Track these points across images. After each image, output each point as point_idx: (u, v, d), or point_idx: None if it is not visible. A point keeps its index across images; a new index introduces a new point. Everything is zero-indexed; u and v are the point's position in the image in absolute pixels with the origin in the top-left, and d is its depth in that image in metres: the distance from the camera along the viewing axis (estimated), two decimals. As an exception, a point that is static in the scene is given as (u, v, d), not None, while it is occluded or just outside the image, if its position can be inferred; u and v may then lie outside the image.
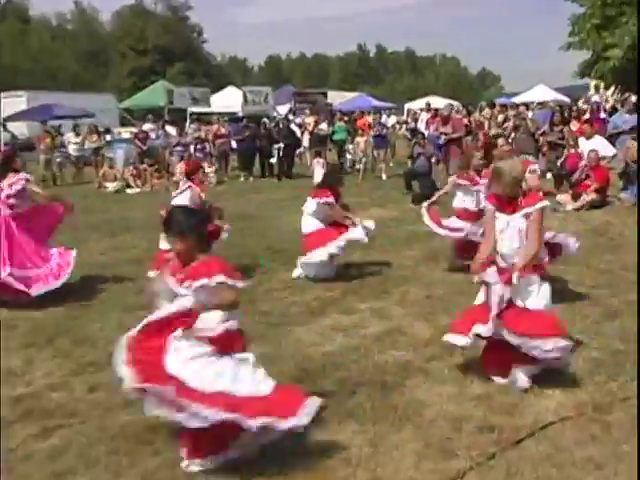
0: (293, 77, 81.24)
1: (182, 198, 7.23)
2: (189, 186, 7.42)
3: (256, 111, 27.72)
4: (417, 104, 35.86)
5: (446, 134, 14.50)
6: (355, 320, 6.28)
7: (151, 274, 5.62)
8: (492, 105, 20.62)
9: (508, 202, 4.59)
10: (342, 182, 7.81)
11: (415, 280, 7.53)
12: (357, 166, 18.94)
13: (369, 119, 22.01)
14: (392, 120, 24.31)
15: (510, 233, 4.58)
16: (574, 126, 14.66)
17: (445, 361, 5.16)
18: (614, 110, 17.95)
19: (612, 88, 22.31)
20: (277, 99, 33.13)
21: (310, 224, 7.66)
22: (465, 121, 18.22)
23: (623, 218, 10.79)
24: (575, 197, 12.01)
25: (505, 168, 4.55)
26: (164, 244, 5.94)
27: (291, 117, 25.99)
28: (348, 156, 19.80)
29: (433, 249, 8.91)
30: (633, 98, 21.69)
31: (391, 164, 20.98)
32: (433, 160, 14.73)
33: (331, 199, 7.52)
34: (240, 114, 26.87)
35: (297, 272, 7.73)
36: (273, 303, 6.88)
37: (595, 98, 22.99)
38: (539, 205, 4.57)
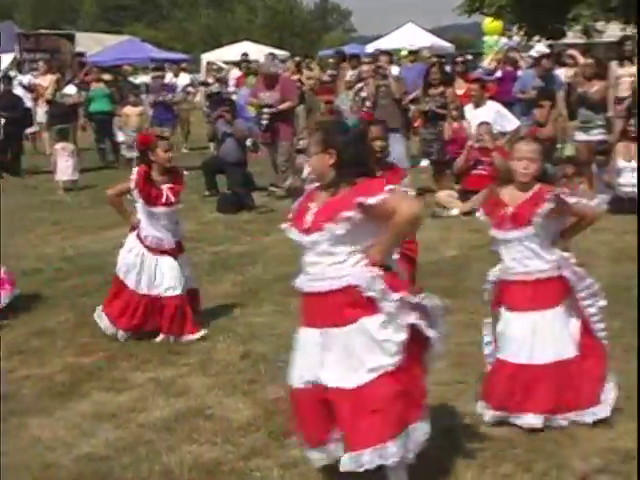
0: (15, 8, 79.15)
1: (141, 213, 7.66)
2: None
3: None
4: (222, 54, 36.42)
5: (270, 105, 14.80)
6: (130, 400, 6.26)
7: None
8: (341, 57, 21.35)
9: None
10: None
11: (226, 331, 7.66)
12: (128, 154, 18.81)
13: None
14: (183, 80, 24.40)
15: None
16: (460, 88, 15.53)
17: (275, 457, 5.28)
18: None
19: (515, 30, 23.87)
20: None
21: None
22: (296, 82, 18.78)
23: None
24: (463, 195, 12.74)
25: None
26: None
27: (14, 75, 25.31)
28: (120, 137, 19.47)
29: (256, 281, 9.07)
30: (540, 47, 23.37)
31: (184, 149, 21.08)
32: (248, 143, 14.98)
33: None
34: None
35: None
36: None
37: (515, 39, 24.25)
38: None
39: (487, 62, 20.51)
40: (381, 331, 4.43)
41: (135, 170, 7.66)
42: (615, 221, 11.52)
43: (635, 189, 12.12)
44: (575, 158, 13.46)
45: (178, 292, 7.59)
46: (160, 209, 7.59)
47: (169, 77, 23.55)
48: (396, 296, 4.44)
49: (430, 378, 4.94)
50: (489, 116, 13.00)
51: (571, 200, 5.45)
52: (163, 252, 7.64)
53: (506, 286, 5.57)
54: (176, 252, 7.74)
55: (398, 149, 13.55)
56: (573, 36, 22.34)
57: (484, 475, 4.92)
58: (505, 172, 5.65)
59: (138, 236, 7.68)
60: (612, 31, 21.39)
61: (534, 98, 14.79)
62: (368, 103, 14.93)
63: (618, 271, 9.16)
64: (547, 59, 16.70)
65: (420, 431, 4.53)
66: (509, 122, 13.41)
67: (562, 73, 16.80)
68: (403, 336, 4.44)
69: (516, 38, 24.27)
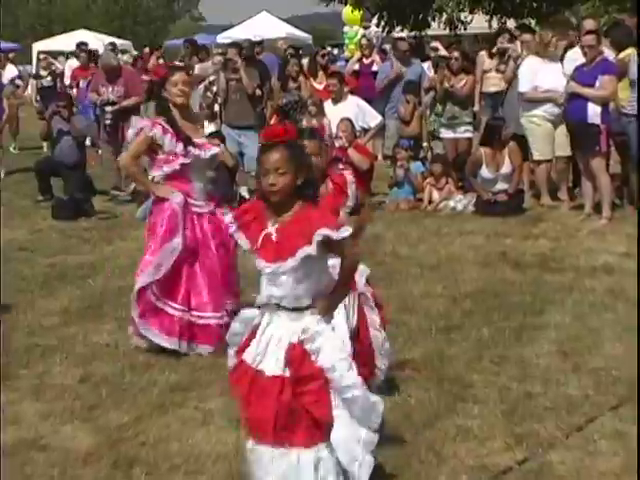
0: None
1: None
2: None
3: None
4: (56, 44, 35.75)
5: (113, 102, 14.57)
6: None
7: None
8: (193, 47, 21.14)
9: None
10: None
11: (61, 352, 7.49)
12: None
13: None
14: (11, 72, 23.78)
15: None
16: (318, 83, 15.64)
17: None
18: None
19: (375, 21, 24.19)
20: None
21: None
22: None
23: (401, 228, 11.83)
24: (325, 193, 12.85)
25: None
26: None
27: None
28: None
29: (97, 295, 9.03)
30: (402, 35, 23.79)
31: (12, 149, 20.58)
32: (87, 143, 14.74)
33: None
34: None
35: None
36: None
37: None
38: None
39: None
40: None
41: None
42: (482, 224, 11.84)
43: (499, 195, 12.46)
44: (442, 156, 13.74)
45: None
46: None
47: (-5, 70, 23.07)
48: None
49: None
50: (350, 111, 12.96)
51: None
52: None
53: None
54: None
55: (252, 147, 13.52)
56: (437, 28, 22.79)
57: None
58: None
59: None
60: (477, 22, 21.98)
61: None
62: (219, 99, 14.88)
63: (487, 276, 9.40)
64: (402, 40, 17.04)
65: None
66: (372, 118, 13.48)
67: (427, 66, 17.08)
68: None
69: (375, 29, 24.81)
